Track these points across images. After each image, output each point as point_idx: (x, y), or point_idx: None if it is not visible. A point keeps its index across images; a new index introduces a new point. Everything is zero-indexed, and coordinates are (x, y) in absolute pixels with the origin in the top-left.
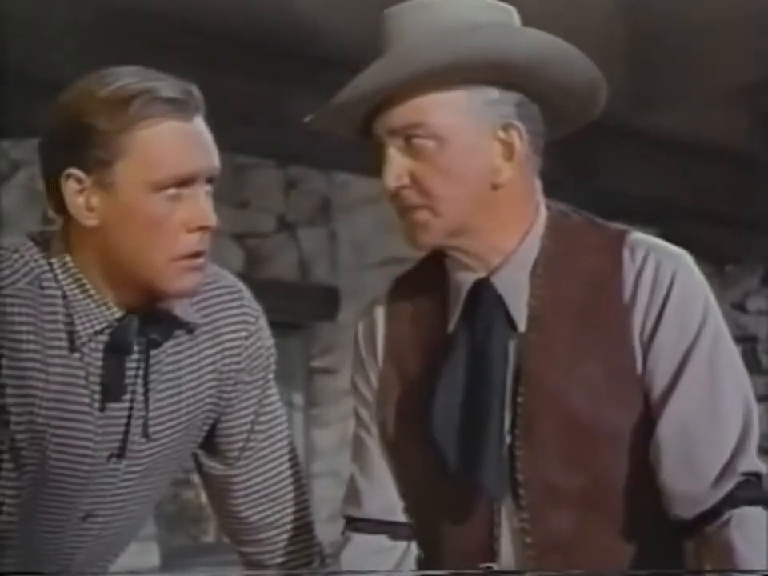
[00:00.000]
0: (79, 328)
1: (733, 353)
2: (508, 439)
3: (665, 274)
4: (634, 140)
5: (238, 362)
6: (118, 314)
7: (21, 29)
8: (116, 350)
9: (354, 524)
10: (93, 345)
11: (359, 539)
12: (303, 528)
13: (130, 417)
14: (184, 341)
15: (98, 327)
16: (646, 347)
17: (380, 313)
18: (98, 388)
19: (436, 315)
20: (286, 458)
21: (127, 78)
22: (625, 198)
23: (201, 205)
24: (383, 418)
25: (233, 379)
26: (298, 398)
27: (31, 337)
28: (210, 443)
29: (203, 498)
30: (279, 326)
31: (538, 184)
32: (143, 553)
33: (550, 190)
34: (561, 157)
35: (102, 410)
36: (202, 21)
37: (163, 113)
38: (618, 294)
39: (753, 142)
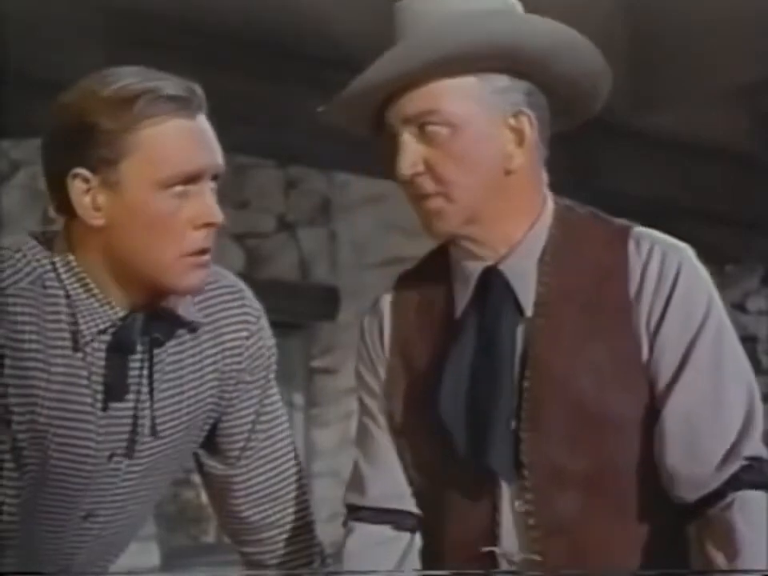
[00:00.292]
0: (83, 327)
1: (735, 342)
2: (513, 423)
3: (670, 266)
4: (634, 140)
5: (240, 362)
6: (122, 313)
7: (21, 29)
8: (119, 349)
9: (357, 513)
10: (96, 344)
11: (362, 530)
12: (304, 528)
13: (135, 416)
14: (186, 340)
15: (101, 326)
16: (652, 337)
17: (386, 306)
18: (100, 387)
19: (443, 304)
20: (287, 457)
21: (130, 77)
22: (625, 197)
23: (207, 202)
24: (391, 407)
25: (234, 379)
26: (298, 398)
27: (33, 336)
28: (211, 443)
29: (203, 498)
30: (279, 326)
31: (544, 175)
32: (143, 553)
33: (551, 190)
34: (561, 157)
35: (104, 409)
36: (202, 21)
37: (167, 111)
38: (623, 284)
39: (753, 142)
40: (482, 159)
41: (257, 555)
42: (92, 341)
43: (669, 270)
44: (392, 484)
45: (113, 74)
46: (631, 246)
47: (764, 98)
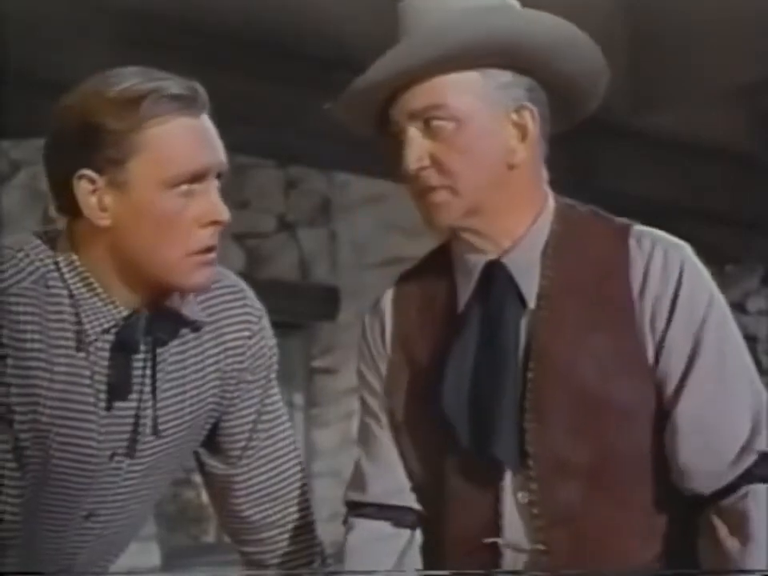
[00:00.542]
0: (87, 326)
1: (739, 337)
2: (517, 413)
3: (673, 264)
4: (634, 140)
5: (241, 362)
6: (125, 313)
7: (21, 29)
8: (123, 348)
9: (357, 510)
10: (99, 344)
11: (363, 525)
12: (305, 527)
13: (138, 415)
14: (188, 340)
15: (105, 325)
16: (660, 337)
17: (387, 304)
18: (103, 387)
19: (445, 299)
20: (288, 457)
21: (134, 77)
22: (625, 197)
23: (213, 200)
24: (392, 403)
25: (236, 378)
26: (298, 398)
27: (36, 336)
28: (212, 442)
29: (204, 497)
30: (279, 326)
31: (545, 173)
32: (143, 553)
33: (551, 189)
34: (561, 157)
35: (108, 408)
36: (202, 21)
37: (172, 110)
38: (624, 280)
39: (753, 142)
40: (486, 153)
41: (257, 555)
42: (95, 340)
43: (672, 268)
44: (392, 481)
45: (116, 74)
46: (632, 242)
47: (764, 98)
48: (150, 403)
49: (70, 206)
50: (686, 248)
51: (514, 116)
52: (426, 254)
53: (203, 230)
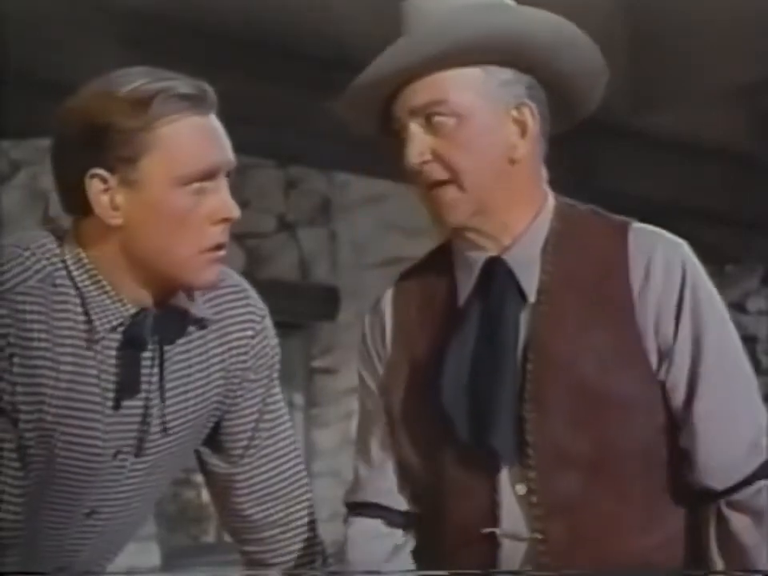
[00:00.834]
0: (96, 324)
1: (735, 332)
2: (516, 405)
3: (675, 263)
4: (634, 140)
5: (245, 361)
6: (133, 310)
7: (21, 29)
8: (131, 345)
9: (354, 509)
10: (105, 342)
11: (359, 522)
12: (306, 527)
13: (146, 414)
14: (193, 339)
15: (114, 323)
16: (667, 338)
17: (387, 303)
18: (110, 386)
19: (445, 295)
20: (290, 456)
21: (142, 77)
22: (625, 197)
23: (224, 197)
24: (391, 399)
25: (239, 378)
26: (298, 398)
27: (42, 335)
28: (214, 441)
29: (204, 497)
30: (279, 326)
31: (544, 172)
32: (144, 552)
33: (551, 189)
34: (561, 157)
35: (116, 407)
36: (203, 21)
37: (182, 109)
38: (624, 276)
39: (753, 142)
40: (487, 148)
41: (258, 554)
42: (103, 338)
43: (674, 268)
44: (383, 483)
45: (124, 74)
46: (631, 238)
47: (764, 98)
48: (156, 401)
49: (79, 205)
50: (685, 245)
51: (515, 113)
52: (426, 253)
53: (215, 227)
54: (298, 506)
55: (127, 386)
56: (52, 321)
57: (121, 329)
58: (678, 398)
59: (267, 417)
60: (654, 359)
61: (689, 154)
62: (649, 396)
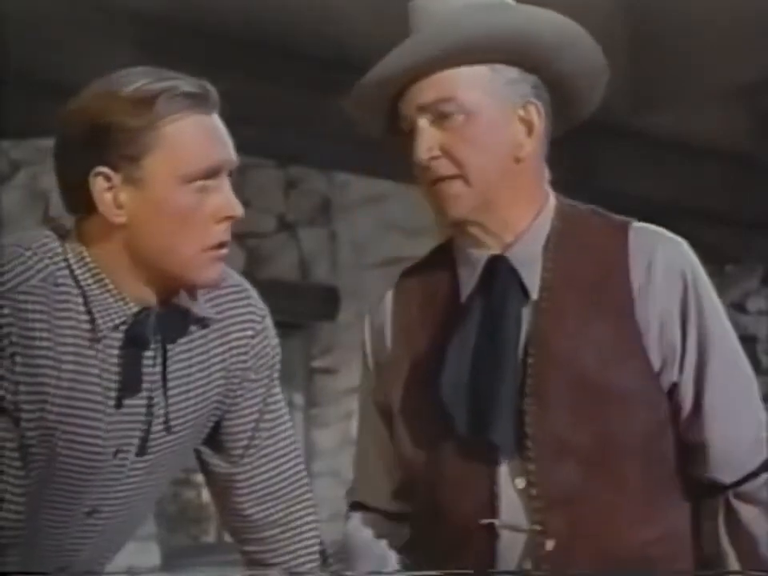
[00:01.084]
0: (99, 322)
1: (734, 332)
2: (517, 398)
3: (675, 261)
4: (634, 140)
5: (245, 361)
6: (135, 309)
7: (21, 29)
8: (134, 344)
9: (353, 507)
10: (107, 341)
11: (360, 514)
12: (306, 527)
13: (149, 413)
14: (194, 338)
15: (117, 321)
16: (673, 333)
17: (389, 301)
18: (112, 385)
19: (447, 292)
20: (290, 456)
21: (145, 77)
22: (625, 197)
23: (227, 195)
24: (391, 396)
25: (239, 377)
26: (298, 398)
27: (44, 334)
28: (215, 441)
29: (204, 497)
30: (279, 326)
31: (547, 172)
32: (143, 552)
33: (552, 189)
34: (561, 157)
35: (118, 406)
36: (203, 21)
37: (186, 108)
38: (625, 273)
39: (753, 142)
40: (494, 145)
41: (258, 554)
42: (105, 337)
43: (676, 267)
44: (375, 484)
45: (127, 74)
46: (632, 236)
47: (764, 97)
48: (157, 400)
49: (82, 204)
50: (685, 244)
51: (521, 111)
52: (428, 252)
53: (218, 225)
54: (298, 506)
55: (129, 384)
56: (54, 320)
57: (123, 327)
58: (687, 395)
59: (267, 417)
60: (655, 357)
61: (689, 154)
62: (649, 391)
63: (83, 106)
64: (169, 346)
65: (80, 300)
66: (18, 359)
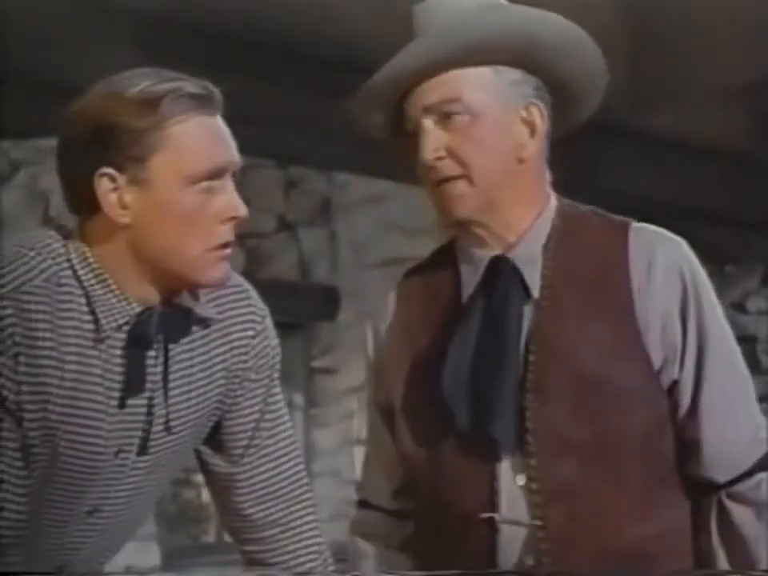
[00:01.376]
0: (103, 322)
1: (732, 333)
2: (518, 394)
3: (675, 261)
4: (634, 140)
5: (246, 361)
6: (138, 309)
7: (21, 29)
8: (137, 344)
9: (359, 504)
10: (110, 341)
11: (363, 511)
12: (306, 526)
13: (150, 413)
14: (195, 338)
15: (120, 321)
16: (674, 332)
17: (390, 302)
18: (114, 385)
19: (449, 291)
20: (290, 456)
21: (149, 78)
22: (625, 197)
23: (231, 196)
24: (392, 394)
25: (239, 377)
26: (298, 398)
27: (47, 334)
28: (215, 441)
29: (204, 497)
30: (279, 326)
31: (548, 173)
32: (143, 552)
33: (552, 189)
34: (561, 157)
35: (121, 406)
36: (203, 21)
37: (191, 109)
38: (624, 272)
39: (753, 142)
40: (498, 146)
41: (258, 554)
42: (108, 337)
43: (675, 265)
44: (377, 483)
45: (131, 76)
46: (632, 236)
47: (764, 97)
48: (159, 399)
49: (85, 205)
50: (684, 244)
51: (524, 113)
52: (431, 253)
53: (223, 225)
54: (298, 506)
55: (133, 384)
56: (57, 320)
57: (126, 328)
58: (686, 393)
59: (268, 417)
60: (656, 355)
61: (689, 154)
62: (648, 389)
63: (88, 107)
64: (170, 346)
65: (83, 300)
66: (22, 359)
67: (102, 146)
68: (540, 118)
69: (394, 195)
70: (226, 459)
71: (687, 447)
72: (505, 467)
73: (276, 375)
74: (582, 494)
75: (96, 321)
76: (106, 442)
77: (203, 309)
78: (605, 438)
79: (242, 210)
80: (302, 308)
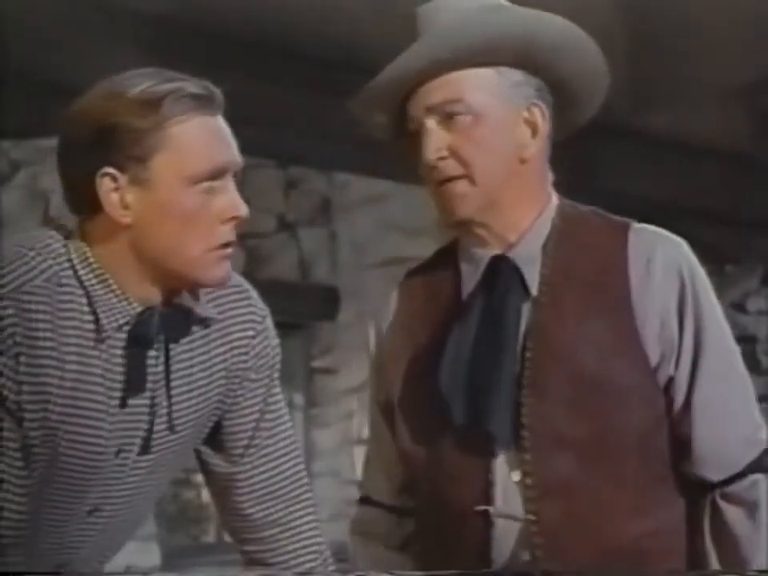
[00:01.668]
0: (104, 322)
1: (731, 333)
2: (514, 390)
3: (674, 260)
4: (634, 140)
5: (246, 361)
6: (139, 309)
7: (21, 29)
8: (138, 343)
9: (361, 500)
10: (111, 341)
11: (364, 508)
12: (306, 526)
13: (152, 412)
14: (196, 338)
15: (121, 321)
16: (671, 330)
17: (392, 302)
18: (115, 385)
19: (450, 291)
20: (290, 456)
21: (151, 78)
22: (625, 197)
23: (232, 196)
24: (392, 391)
25: (239, 377)
26: (298, 398)
27: (48, 334)
28: (215, 440)
29: (204, 497)
30: (279, 326)
31: (550, 174)
32: (143, 553)
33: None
34: (561, 157)
35: (122, 405)
36: (203, 21)
37: (192, 109)
38: (623, 271)
39: (753, 142)
40: (500, 147)
41: (258, 554)
42: (109, 337)
43: (674, 265)
44: (377, 481)
45: (132, 76)
46: (631, 236)
47: (764, 97)
48: (160, 399)
49: (86, 205)
50: (684, 245)
51: (525, 113)
52: (433, 253)
53: (224, 225)
54: (298, 506)
55: (134, 384)
56: (57, 320)
57: (126, 327)
58: (681, 390)
59: (268, 417)
60: (653, 353)
61: (689, 154)
62: (646, 386)
63: (89, 107)
64: (171, 346)
65: (84, 300)
66: (22, 359)
67: (103, 146)
68: (542, 118)
69: (394, 195)
70: (226, 459)
71: (681, 444)
72: (500, 462)
73: (276, 375)
74: (578, 491)
75: (97, 321)
76: (106, 441)
77: (203, 309)
78: (602, 435)
79: (243, 210)
80: (302, 308)
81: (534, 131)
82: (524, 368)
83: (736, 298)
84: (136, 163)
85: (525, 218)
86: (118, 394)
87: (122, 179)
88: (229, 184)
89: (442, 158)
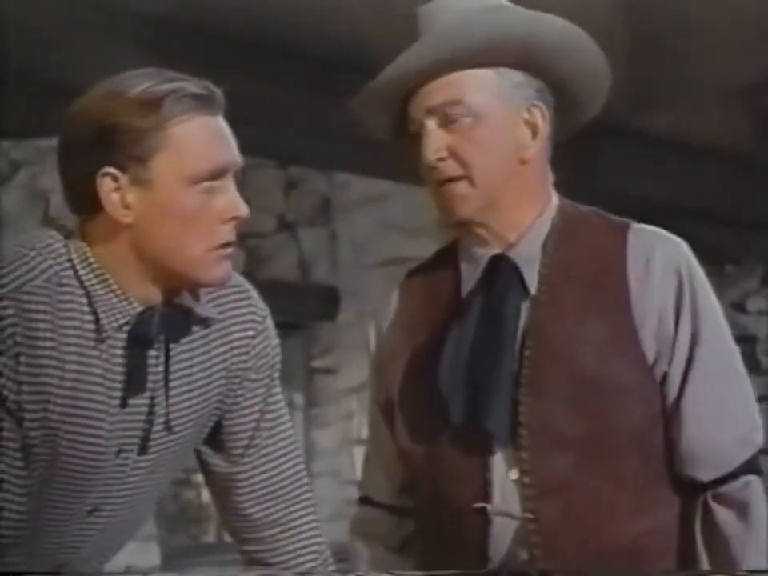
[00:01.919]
0: (104, 322)
1: (729, 331)
2: (512, 388)
3: (673, 260)
4: (634, 140)
5: (246, 361)
6: (139, 309)
7: (21, 29)
8: (138, 343)
9: (361, 500)
10: (111, 341)
11: (364, 508)
12: (306, 526)
13: (151, 412)
14: (196, 338)
15: (121, 321)
16: (668, 330)
17: (393, 302)
18: (115, 384)
19: (450, 291)
20: (290, 456)
21: (151, 78)
22: (625, 197)
23: (233, 196)
24: (391, 390)
25: (240, 377)
26: (298, 398)
27: (48, 334)
28: (215, 440)
29: (204, 497)
30: (279, 326)
31: (550, 174)
32: (143, 553)
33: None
34: (561, 157)
35: (122, 405)
36: (202, 21)
37: (193, 109)
38: (623, 270)
39: (753, 142)
40: (500, 147)
41: (258, 554)
42: (110, 337)
43: (673, 265)
44: (377, 481)
45: (133, 76)
46: (631, 236)
47: (764, 97)
48: (160, 399)
49: (87, 205)
50: (684, 245)
51: (526, 114)
52: (433, 253)
53: (224, 225)
54: (298, 506)
55: (134, 384)
56: (58, 320)
57: (127, 327)
58: (674, 385)
59: (268, 417)
60: (650, 351)
61: (689, 154)
62: (644, 385)
63: (89, 107)
64: (171, 346)
65: (84, 300)
66: (22, 359)
67: (103, 146)
68: (542, 119)
69: (394, 195)
70: (226, 459)
71: (673, 443)
72: (498, 460)
73: (276, 375)
74: (576, 489)
75: (97, 321)
76: (106, 441)
77: (204, 309)
78: (600, 435)
79: (243, 210)
80: (302, 308)
81: (535, 132)
82: (523, 367)
83: (736, 298)
84: (136, 163)
85: (525, 218)
86: (118, 393)
87: (123, 179)
88: (229, 184)
89: (441, 159)
